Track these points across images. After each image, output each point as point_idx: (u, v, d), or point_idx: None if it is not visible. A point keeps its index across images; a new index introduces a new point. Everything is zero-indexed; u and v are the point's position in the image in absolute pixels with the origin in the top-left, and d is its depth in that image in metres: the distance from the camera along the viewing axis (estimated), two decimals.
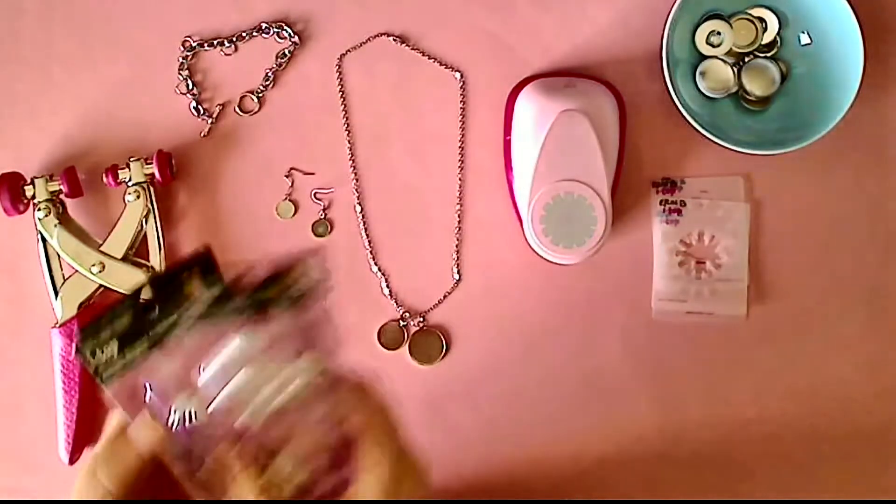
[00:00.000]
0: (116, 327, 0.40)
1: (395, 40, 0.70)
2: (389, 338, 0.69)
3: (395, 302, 0.69)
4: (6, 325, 0.69)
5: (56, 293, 0.66)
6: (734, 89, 0.68)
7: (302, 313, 0.43)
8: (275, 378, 0.42)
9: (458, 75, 0.70)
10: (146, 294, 0.41)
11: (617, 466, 0.69)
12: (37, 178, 0.66)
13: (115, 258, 0.66)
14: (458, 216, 0.70)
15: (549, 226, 0.63)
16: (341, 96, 0.70)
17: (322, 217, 0.69)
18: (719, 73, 0.68)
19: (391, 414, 0.44)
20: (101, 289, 0.67)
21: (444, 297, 0.69)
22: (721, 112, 0.69)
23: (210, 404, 0.42)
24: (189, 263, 0.42)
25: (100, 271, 0.66)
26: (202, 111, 0.70)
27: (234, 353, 0.42)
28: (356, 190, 0.69)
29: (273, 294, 0.42)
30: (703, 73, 0.68)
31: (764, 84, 0.68)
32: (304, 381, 0.42)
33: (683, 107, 0.65)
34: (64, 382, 0.66)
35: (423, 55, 0.70)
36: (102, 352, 0.40)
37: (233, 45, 0.70)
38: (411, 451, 0.45)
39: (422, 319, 0.69)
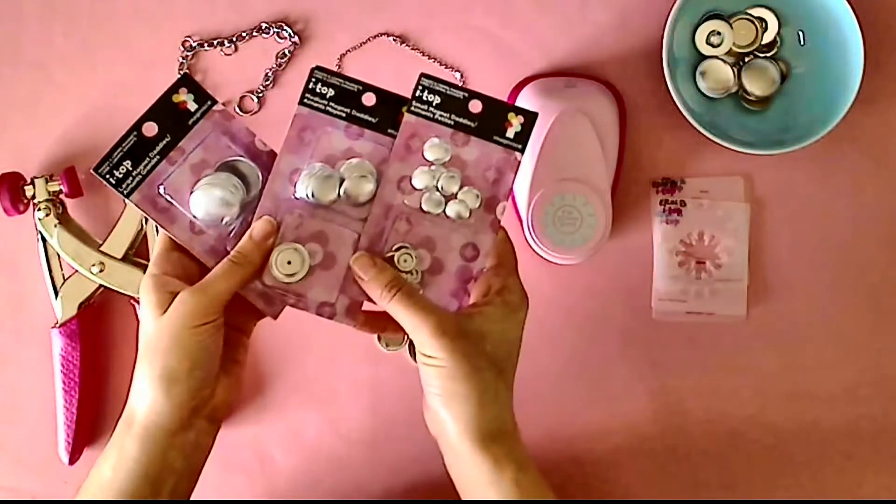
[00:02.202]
0: (126, 150, 0.51)
1: (395, 40, 0.70)
2: (390, 337, 0.68)
3: None
4: (6, 325, 0.69)
5: (56, 293, 0.66)
6: (734, 89, 0.68)
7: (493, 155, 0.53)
8: (449, 189, 0.52)
9: (458, 75, 0.70)
10: (149, 131, 0.51)
11: (617, 465, 0.69)
12: (37, 178, 0.66)
13: (116, 258, 0.66)
14: None
15: (549, 226, 0.63)
16: None
17: None
18: (719, 73, 0.68)
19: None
20: (102, 289, 0.67)
21: None
22: (721, 112, 0.69)
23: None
24: (171, 89, 0.52)
25: (100, 271, 0.66)
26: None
27: (435, 151, 0.52)
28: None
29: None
30: (703, 73, 0.68)
31: (764, 84, 0.68)
32: (463, 207, 0.52)
33: (683, 107, 0.65)
34: (64, 382, 0.66)
35: (423, 55, 0.70)
36: (118, 170, 0.51)
37: (233, 45, 0.70)
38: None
39: None
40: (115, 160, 0.51)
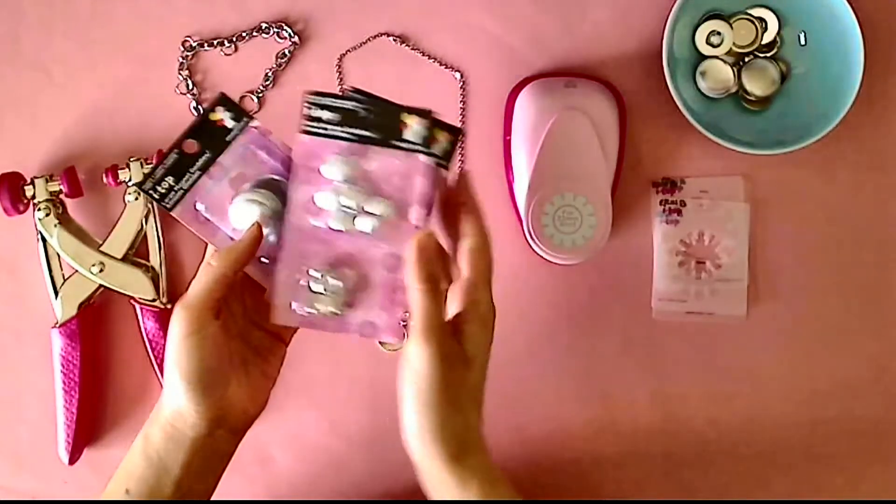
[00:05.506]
0: (168, 166, 0.52)
1: (395, 40, 0.70)
2: None
3: None
4: (6, 325, 0.69)
5: (56, 293, 0.66)
6: (734, 89, 0.68)
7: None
8: (355, 204, 0.51)
9: (458, 75, 0.70)
10: (190, 148, 0.52)
11: (617, 466, 0.69)
12: (37, 178, 0.66)
13: (116, 258, 0.66)
14: None
15: (549, 226, 0.63)
16: None
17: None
18: (719, 73, 0.68)
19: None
20: (101, 289, 0.67)
21: None
22: (721, 112, 0.69)
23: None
24: (209, 108, 0.53)
25: (100, 271, 0.66)
26: (202, 111, 0.70)
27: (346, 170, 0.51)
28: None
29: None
30: (703, 73, 0.68)
31: (764, 84, 0.68)
32: (373, 219, 0.51)
33: (683, 107, 0.65)
34: (64, 382, 0.66)
35: (423, 55, 0.70)
36: (161, 185, 0.52)
37: (233, 45, 0.70)
38: None
39: None
40: (158, 176, 0.52)
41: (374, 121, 0.51)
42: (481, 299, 0.51)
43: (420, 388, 0.49)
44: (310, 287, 0.52)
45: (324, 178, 0.52)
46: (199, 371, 0.50)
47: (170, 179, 0.52)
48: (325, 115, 0.51)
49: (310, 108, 0.52)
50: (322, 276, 0.51)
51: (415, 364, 0.49)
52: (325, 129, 0.52)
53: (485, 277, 0.52)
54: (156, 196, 0.52)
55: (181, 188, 0.52)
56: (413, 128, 0.51)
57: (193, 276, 0.52)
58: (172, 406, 0.51)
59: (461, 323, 0.51)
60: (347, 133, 0.52)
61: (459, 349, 0.50)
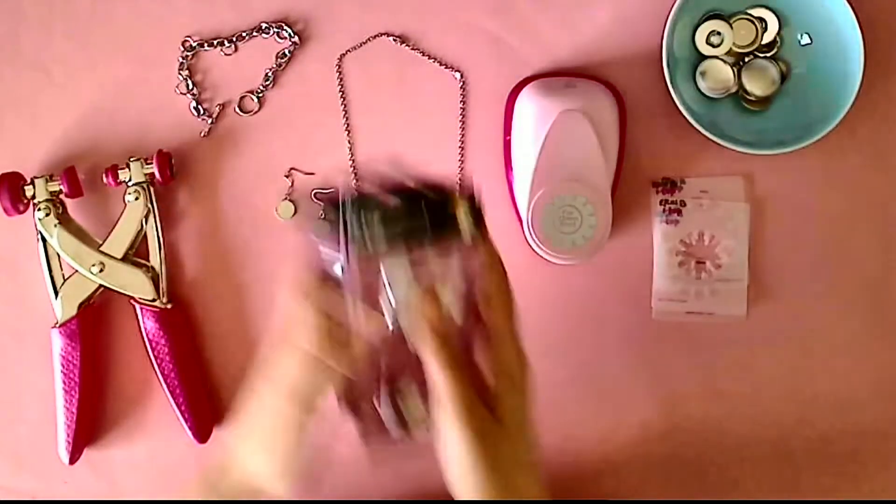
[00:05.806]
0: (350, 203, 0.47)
1: (395, 40, 0.70)
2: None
3: None
4: (6, 325, 0.69)
5: (56, 293, 0.66)
6: (734, 89, 0.68)
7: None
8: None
9: (458, 75, 0.70)
10: (382, 199, 0.47)
11: (616, 466, 0.69)
12: (37, 178, 0.66)
13: (116, 258, 0.66)
14: None
15: (549, 226, 0.63)
16: (341, 96, 0.70)
17: (322, 217, 0.69)
18: (719, 73, 0.68)
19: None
20: (101, 289, 0.67)
21: None
22: (721, 112, 0.69)
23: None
24: (453, 198, 0.47)
25: (100, 271, 0.66)
26: (202, 111, 0.70)
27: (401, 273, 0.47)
28: (356, 190, 0.69)
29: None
30: (703, 73, 0.68)
31: (764, 84, 0.68)
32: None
33: (683, 107, 0.65)
34: (64, 382, 0.66)
35: (423, 55, 0.70)
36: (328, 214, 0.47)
37: (233, 45, 0.70)
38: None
39: None
40: (337, 206, 0.47)
41: (428, 208, 0.46)
42: (507, 358, 0.49)
43: (460, 470, 0.48)
44: (392, 407, 0.50)
45: (382, 282, 0.48)
46: (303, 459, 0.51)
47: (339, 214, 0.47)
48: (374, 215, 0.46)
49: (356, 211, 0.46)
50: (401, 391, 0.50)
51: (450, 448, 0.48)
52: (376, 232, 0.46)
53: (507, 325, 0.49)
54: (322, 218, 0.47)
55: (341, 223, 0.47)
56: (464, 216, 0.47)
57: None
58: (253, 487, 0.52)
59: (491, 389, 0.49)
60: (400, 230, 0.46)
61: (492, 421, 0.48)
